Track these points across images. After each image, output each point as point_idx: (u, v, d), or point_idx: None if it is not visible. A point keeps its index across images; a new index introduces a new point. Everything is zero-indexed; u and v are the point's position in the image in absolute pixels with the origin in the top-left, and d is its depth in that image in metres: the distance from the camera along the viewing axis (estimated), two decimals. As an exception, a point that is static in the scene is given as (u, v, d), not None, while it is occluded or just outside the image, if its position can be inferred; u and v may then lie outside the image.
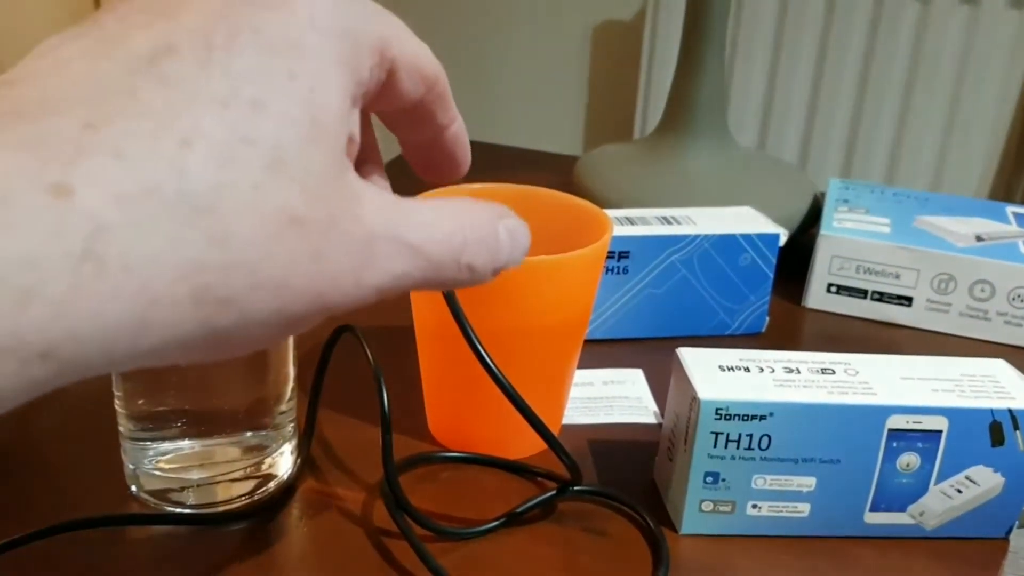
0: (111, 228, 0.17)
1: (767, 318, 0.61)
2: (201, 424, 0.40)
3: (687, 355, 0.42)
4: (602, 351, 0.57)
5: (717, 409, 0.39)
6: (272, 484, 0.43)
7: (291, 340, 0.42)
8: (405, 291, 0.23)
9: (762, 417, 0.39)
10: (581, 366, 0.55)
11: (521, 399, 0.37)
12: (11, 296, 0.16)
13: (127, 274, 0.17)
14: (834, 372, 0.42)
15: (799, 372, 0.41)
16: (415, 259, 0.22)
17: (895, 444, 0.40)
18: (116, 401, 0.41)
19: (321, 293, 0.20)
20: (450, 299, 0.30)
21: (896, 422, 0.40)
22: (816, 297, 0.64)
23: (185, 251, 0.17)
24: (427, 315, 0.44)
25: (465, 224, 0.23)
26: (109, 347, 0.17)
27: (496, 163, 0.90)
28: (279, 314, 0.19)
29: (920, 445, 0.40)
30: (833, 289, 0.64)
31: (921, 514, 0.42)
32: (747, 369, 0.41)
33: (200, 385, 0.40)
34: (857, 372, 0.42)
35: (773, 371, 0.41)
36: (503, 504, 0.43)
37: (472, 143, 0.96)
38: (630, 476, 0.46)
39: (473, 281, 0.24)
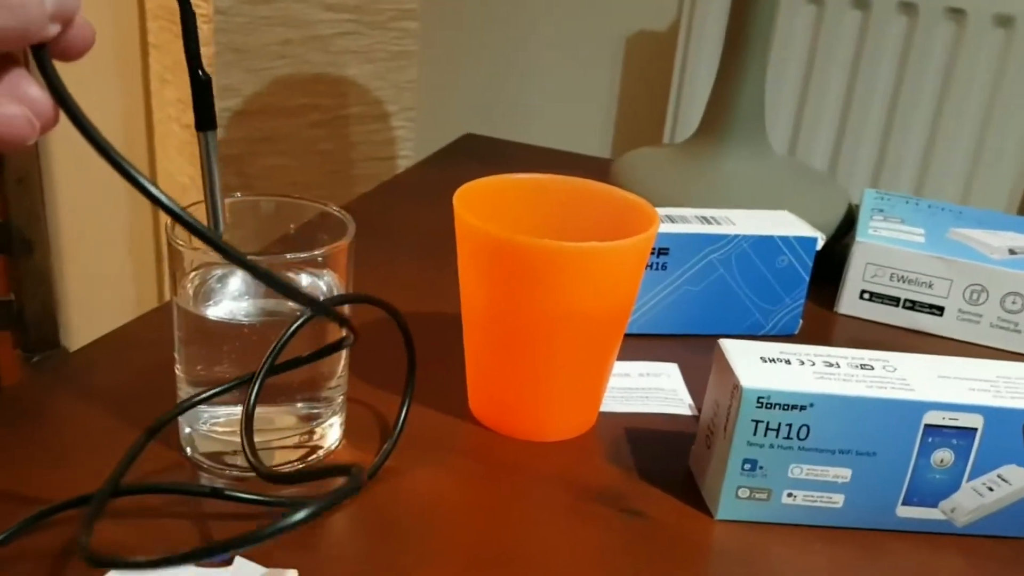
0: None
1: (800, 320, 0.62)
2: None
3: (729, 345, 0.44)
4: (639, 345, 0.58)
5: (759, 397, 0.40)
6: (320, 453, 0.44)
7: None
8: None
9: (802, 407, 0.40)
10: (618, 358, 0.57)
11: None
12: None
13: None
14: (872, 368, 0.43)
15: (838, 366, 0.42)
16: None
17: (930, 439, 0.41)
18: (176, 367, 0.43)
19: None
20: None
21: (932, 418, 0.41)
22: (849, 303, 0.65)
23: None
24: (475, 297, 0.45)
25: None
26: None
27: (531, 163, 0.92)
28: None
29: (955, 442, 0.41)
30: (866, 296, 0.65)
31: (952, 510, 0.43)
32: (788, 361, 0.43)
33: (257, 353, 0.41)
34: (895, 369, 0.43)
35: (813, 364, 0.42)
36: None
37: (508, 143, 0.98)
38: (665, 464, 0.47)
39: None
